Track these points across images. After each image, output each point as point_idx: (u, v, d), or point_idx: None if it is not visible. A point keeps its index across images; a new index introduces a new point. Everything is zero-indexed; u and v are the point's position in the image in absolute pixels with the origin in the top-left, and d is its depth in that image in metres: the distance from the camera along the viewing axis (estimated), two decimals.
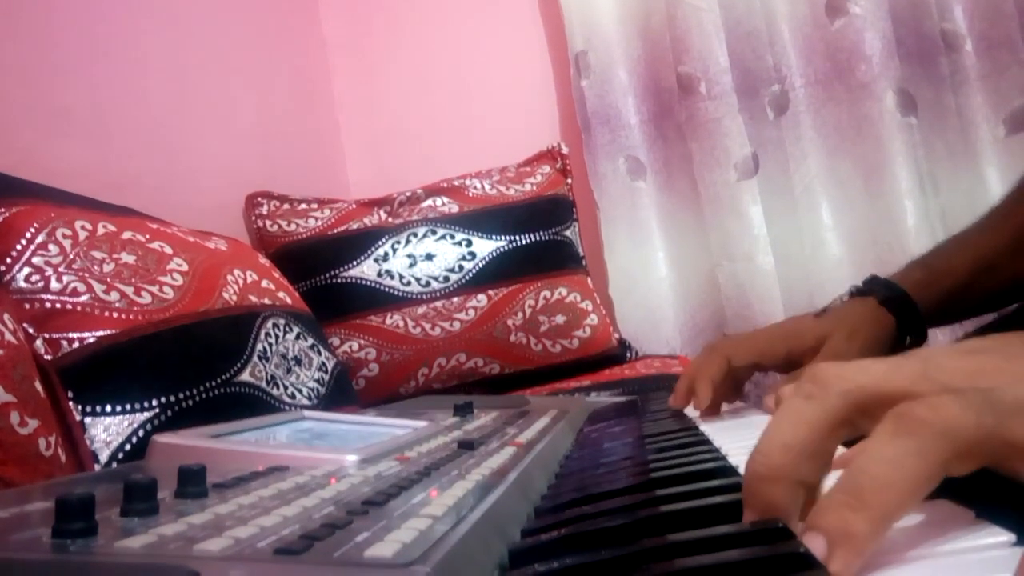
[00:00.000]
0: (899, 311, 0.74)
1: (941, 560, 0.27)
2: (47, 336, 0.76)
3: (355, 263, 1.47)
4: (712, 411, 0.72)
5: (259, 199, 1.53)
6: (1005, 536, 0.27)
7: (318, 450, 0.46)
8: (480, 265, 1.49)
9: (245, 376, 0.91)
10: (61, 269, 0.79)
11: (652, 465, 0.45)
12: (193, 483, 0.33)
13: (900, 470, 0.26)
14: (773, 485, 0.30)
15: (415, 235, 1.50)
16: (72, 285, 0.79)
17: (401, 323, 1.44)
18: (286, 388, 0.98)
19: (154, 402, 0.78)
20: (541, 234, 1.55)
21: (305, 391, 1.02)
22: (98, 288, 0.81)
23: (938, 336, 1.22)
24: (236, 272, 1.03)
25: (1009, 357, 0.32)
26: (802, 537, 0.27)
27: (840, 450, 0.32)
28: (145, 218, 1.00)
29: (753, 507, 0.30)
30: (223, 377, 0.88)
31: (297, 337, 1.07)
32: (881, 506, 0.26)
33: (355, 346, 1.43)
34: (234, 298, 0.98)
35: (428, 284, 1.47)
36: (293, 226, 1.51)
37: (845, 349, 0.71)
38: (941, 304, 0.76)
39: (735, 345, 0.75)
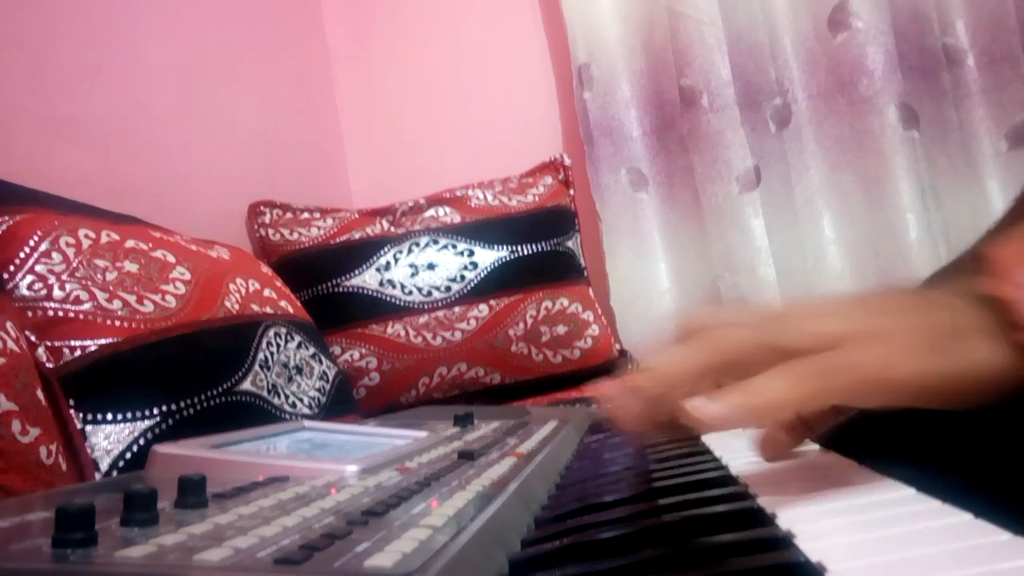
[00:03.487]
0: None
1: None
2: (49, 344, 0.76)
3: (357, 272, 1.47)
4: None
5: (261, 208, 1.54)
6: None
7: (318, 460, 0.46)
8: (482, 275, 1.49)
9: (246, 385, 0.91)
10: (64, 277, 0.79)
11: (654, 475, 0.45)
12: (193, 493, 0.33)
13: (785, 390, 0.34)
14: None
15: (417, 245, 1.50)
16: (75, 293, 0.79)
17: (402, 332, 1.44)
18: (287, 397, 0.98)
19: (155, 411, 0.78)
20: (543, 245, 1.55)
21: (306, 400, 1.02)
22: (101, 296, 0.81)
23: None
24: (238, 281, 1.03)
25: (825, 304, 0.40)
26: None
27: None
28: (148, 226, 1.00)
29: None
30: (224, 386, 0.88)
31: (298, 346, 1.07)
32: (767, 403, 0.35)
33: (356, 355, 1.43)
34: (236, 307, 0.98)
35: (430, 294, 1.47)
36: (295, 235, 1.51)
37: None
38: None
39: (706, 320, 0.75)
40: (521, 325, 1.47)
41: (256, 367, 0.94)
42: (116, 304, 0.82)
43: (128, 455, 0.75)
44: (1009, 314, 0.36)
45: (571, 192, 1.69)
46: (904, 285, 0.46)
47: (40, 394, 0.67)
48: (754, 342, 0.36)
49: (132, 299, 0.83)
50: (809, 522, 0.31)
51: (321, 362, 1.12)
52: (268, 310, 1.06)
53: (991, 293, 0.37)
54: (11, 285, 0.76)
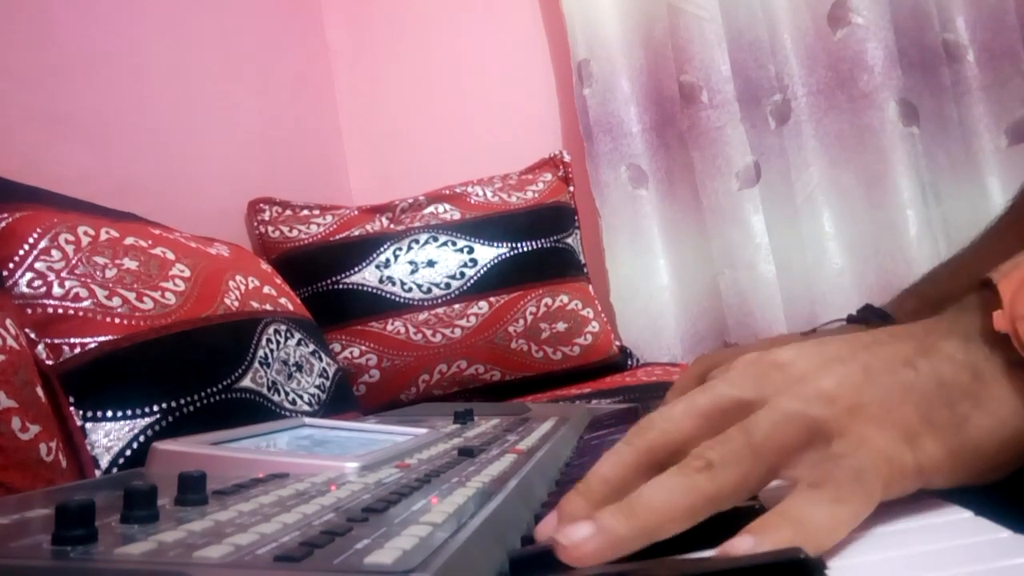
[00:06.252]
0: None
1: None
2: (49, 341, 0.76)
3: (357, 269, 1.47)
4: None
5: (261, 205, 1.54)
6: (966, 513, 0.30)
7: (318, 457, 0.46)
8: (481, 272, 1.49)
9: (246, 382, 0.91)
10: (63, 274, 0.79)
11: None
12: (193, 490, 0.33)
13: (670, 498, 0.30)
14: (588, 507, 0.33)
15: (417, 242, 1.50)
16: (74, 291, 0.79)
17: (402, 329, 1.44)
18: (287, 394, 0.98)
19: (155, 408, 0.78)
20: (543, 241, 1.55)
21: (306, 397, 1.02)
22: (100, 294, 0.81)
23: None
24: (238, 278, 1.03)
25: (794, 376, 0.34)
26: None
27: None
28: (147, 224, 1.00)
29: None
30: (224, 383, 0.88)
31: (298, 343, 1.07)
32: (645, 521, 0.30)
33: (356, 352, 1.43)
34: (236, 304, 0.98)
35: (429, 291, 1.47)
36: (295, 232, 1.51)
37: None
38: None
39: (717, 361, 0.74)
40: (521, 322, 1.47)
41: (256, 364, 0.94)
42: (116, 301, 0.82)
43: (128, 452, 0.75)
44: None
45: (571, 189, 1.69)
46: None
47: (40, 391, 0.67)
48: (742, 476, 0.31)
49: (132, 296, 0.83)
50: None
51: (321, 359, 1.12)
52: (268, 307, 1.06)
53: (1001, 330, 0.31)
54: (11, 282, 0.76)
